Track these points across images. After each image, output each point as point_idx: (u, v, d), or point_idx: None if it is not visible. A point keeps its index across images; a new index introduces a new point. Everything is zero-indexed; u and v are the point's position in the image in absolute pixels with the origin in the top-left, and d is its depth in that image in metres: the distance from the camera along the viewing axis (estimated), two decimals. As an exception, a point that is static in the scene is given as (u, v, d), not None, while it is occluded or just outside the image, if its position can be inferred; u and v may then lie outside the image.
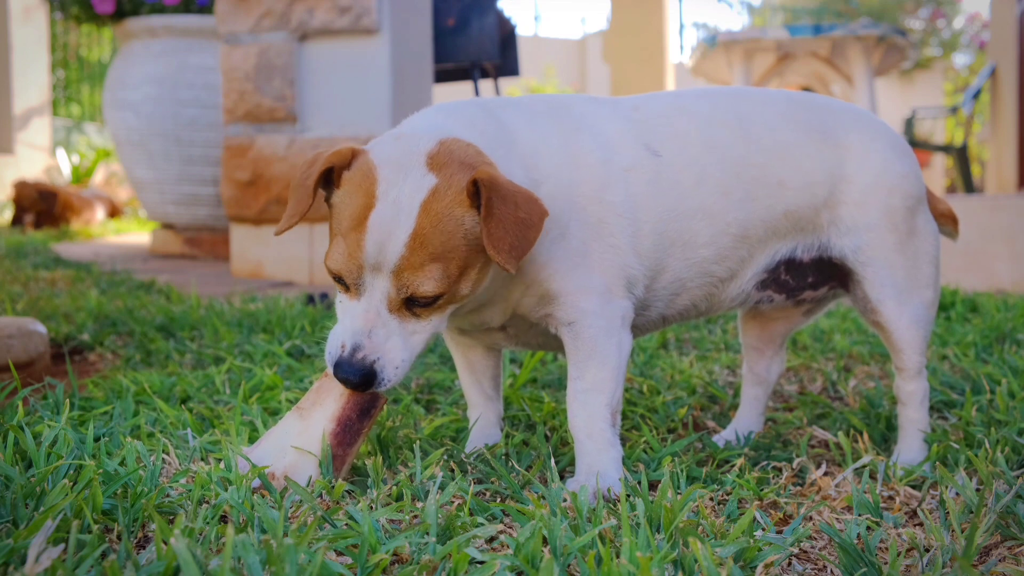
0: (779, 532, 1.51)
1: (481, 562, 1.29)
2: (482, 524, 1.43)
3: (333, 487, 1.58)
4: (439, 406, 2.30)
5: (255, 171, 4.89)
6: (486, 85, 13.10)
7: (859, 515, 1.55)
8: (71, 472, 1.58)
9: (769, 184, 1.81)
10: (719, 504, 1.63)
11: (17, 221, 8.63)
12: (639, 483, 1.66)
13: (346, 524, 1.42)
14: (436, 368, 2.67)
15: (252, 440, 1.87)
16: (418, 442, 1.86)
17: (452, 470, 1.74)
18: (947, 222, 2.02)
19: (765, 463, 1.87)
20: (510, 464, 1.80)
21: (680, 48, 23.82)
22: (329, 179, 1.60)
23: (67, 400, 2.00)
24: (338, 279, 1.56)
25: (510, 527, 1.49)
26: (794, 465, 1.82)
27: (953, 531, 1.47)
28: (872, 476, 1.80)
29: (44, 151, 11.93)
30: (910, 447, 1.94)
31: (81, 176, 12.29)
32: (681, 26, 23.61)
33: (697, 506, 1.52)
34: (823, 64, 8.22)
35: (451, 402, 2.30)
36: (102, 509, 1.44)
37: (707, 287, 1.85)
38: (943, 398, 2.34)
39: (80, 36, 14.32)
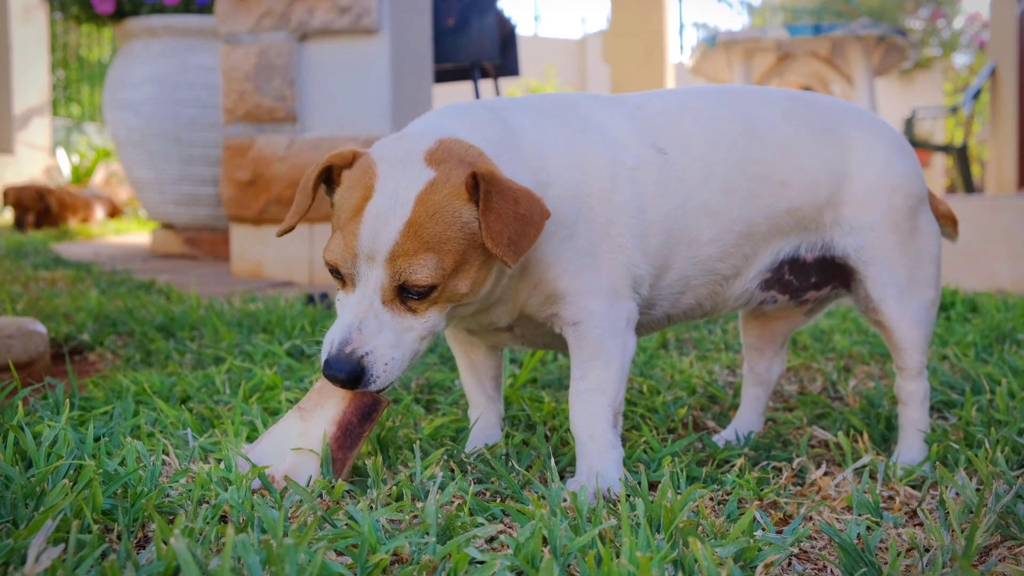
0: (779, 532, 1.51)
1: (481, 562, 1.29)
2: (482, 524, 1.43)
3: (333, 487, 1.58)
4: (439, 406, 2.30)
5: (255, 171, 4.89)
6: (486, 85, 13.10)
7: (859, 515, 1.55)
8: (71, 472, 1.58)
9: (772, 182, 1.81)
10: (719, 504, 1.63)
11: (19, 224, 8.63)
12: (639, 483, 1.66)
13: (346, 524, 1.42)
14: (436, 368, 2.68)
15: (252, 440, 1.87)
16: (418, 442, 1.86)
17: (452, 470, 1.74)
18: (947, 223, 2.02)
19: (765, 463, 1.87)
20: (510, 464, 1.80)
21: (680, 48, 23.83)
22: (331, 181, 1.61)
23: (67, 400, 2.00)
24: (335, 273, 1.56)
25: (510, 527, 1.49)
26: (794, 465, 1.82)
27: (953, 531, 1.47)
28: (872, 476, 1.80)
29: (44, 151, 11.94)
30: (910, 447, 1.94)
31: (81, 176, 12.29)
32: (681, 26, 23.63)
33: (697, 506, 1.52)
34: (823, 64, 8.22)
35: (451, 402, 2.30)
36: (102, 509, 1.44)
37: (712, 285, 1.85)
38: (943, 398, 2.34)
39: (80, 36, 14.33)
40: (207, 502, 1.53)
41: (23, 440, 1.66)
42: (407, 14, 4.89)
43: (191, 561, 1.13)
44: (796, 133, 1.84)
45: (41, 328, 2.58)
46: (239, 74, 4.84)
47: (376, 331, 1.52)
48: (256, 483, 1.58)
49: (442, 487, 1.61)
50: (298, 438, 1.65)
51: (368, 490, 1.61)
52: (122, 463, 1.67)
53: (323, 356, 1.54)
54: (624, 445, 1.91)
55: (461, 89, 11.85)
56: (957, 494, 1.63)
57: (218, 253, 6.16)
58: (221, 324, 3.10)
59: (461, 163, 1.54)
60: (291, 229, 1.63)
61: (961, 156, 9.20)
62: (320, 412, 1.66)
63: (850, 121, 1.89)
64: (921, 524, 1.56)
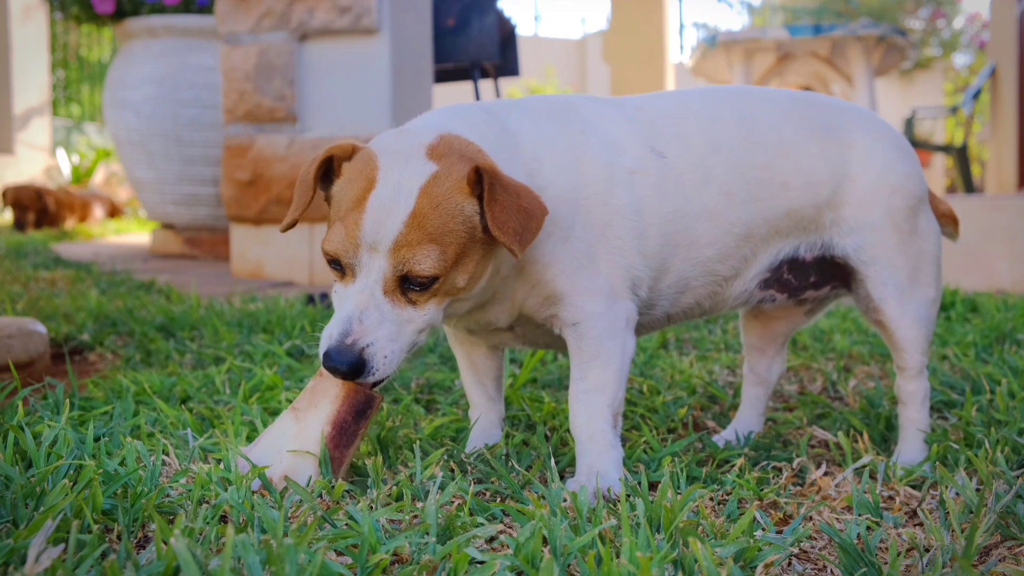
0: (779, 532, 1.51)
1: (481, 562, 1.29)
2: (482, 524, 1.43)
3: (333, 487, 1.58)
4: (439, 406, 2.30)
5: (255, 171, 4.89)
6: (486, 85, 13.09)
7: (859, 515, 1.55)
8: (71, 472, 1.58)
9: (772, 184, 1.81)
10: (719, 504, 1.63)
11: (18, 224, 8.63)
12: (639, 483, 1.66)
13: (346, 524, 1.41)
14: (436, 368, 2.67)
15: (252, 440, 1.87)
16: (418, 442, 1.86)
17: (452, 470, 1.73)
18: (948, 223, 2.02)
19: (765, 463, 1.87)
20: (510, 464, 1.79)
21: (680, 48, 23.86)
22: (329, 174, 1.61)
23: (67, 400, 2.00)
24: (334, 264, 1.56)
25: (510, 527, 1.49)
26: (794, 465, 1.82)
27: (953, 531, 1.47)
28: (872, 476, 1.79)
29: (44, 151, 11.94)
30: (910, 447, 1.94)
31: (81, 176, 12.30)
32: (681, 26, 23.65)
33: (697, 506, 1.52)
34: (823, 64, 8.22)
35: (451, 402, 2.30)
36: (102, 509, 1.44)
37: (711, 286, 1.85)
38: (943, 398, 2.34)
39: (80, 36, 14.33)
40: (207, 502, 1.53)
41: (23, 440, 1.66)
42: (407, 14, 4.89)
43: (191, 561, 1.13)
44: (797, 134, 1.84)
45: (41, 328, 2.58)
46: (239, 74, 4.84)
47: (377, 323, 1.52)
48: (256, 483, 1.58)
49: (442, 487, 1.61)
50: (293, 439, 1.65)
51: (368, 490, 1.61)
52: (122, 463, 1.67)
53: (322, 348, 1.54)
54: (624, 445, 1.91)
55: (461, 89, 11.85)
56: (957, 494, 1.63)
57: (218, 253, 6.16)
58: (221, 324, 3.10)
59: (462, 158, 1.54)
60: (294, 223, 1.63)
61: (961, 156, 9.20)
62: (314, 412, 1.65)
63: (851, 121, 1.89)
64: (921, 524, 1.56)
